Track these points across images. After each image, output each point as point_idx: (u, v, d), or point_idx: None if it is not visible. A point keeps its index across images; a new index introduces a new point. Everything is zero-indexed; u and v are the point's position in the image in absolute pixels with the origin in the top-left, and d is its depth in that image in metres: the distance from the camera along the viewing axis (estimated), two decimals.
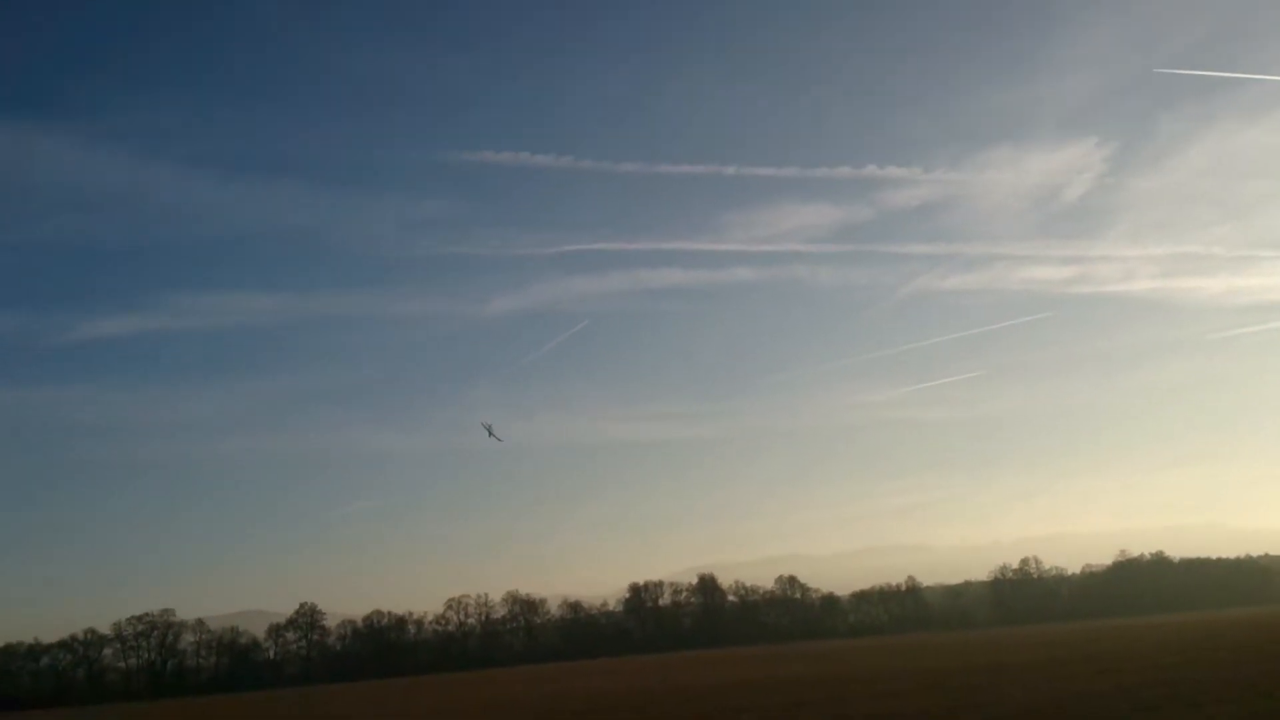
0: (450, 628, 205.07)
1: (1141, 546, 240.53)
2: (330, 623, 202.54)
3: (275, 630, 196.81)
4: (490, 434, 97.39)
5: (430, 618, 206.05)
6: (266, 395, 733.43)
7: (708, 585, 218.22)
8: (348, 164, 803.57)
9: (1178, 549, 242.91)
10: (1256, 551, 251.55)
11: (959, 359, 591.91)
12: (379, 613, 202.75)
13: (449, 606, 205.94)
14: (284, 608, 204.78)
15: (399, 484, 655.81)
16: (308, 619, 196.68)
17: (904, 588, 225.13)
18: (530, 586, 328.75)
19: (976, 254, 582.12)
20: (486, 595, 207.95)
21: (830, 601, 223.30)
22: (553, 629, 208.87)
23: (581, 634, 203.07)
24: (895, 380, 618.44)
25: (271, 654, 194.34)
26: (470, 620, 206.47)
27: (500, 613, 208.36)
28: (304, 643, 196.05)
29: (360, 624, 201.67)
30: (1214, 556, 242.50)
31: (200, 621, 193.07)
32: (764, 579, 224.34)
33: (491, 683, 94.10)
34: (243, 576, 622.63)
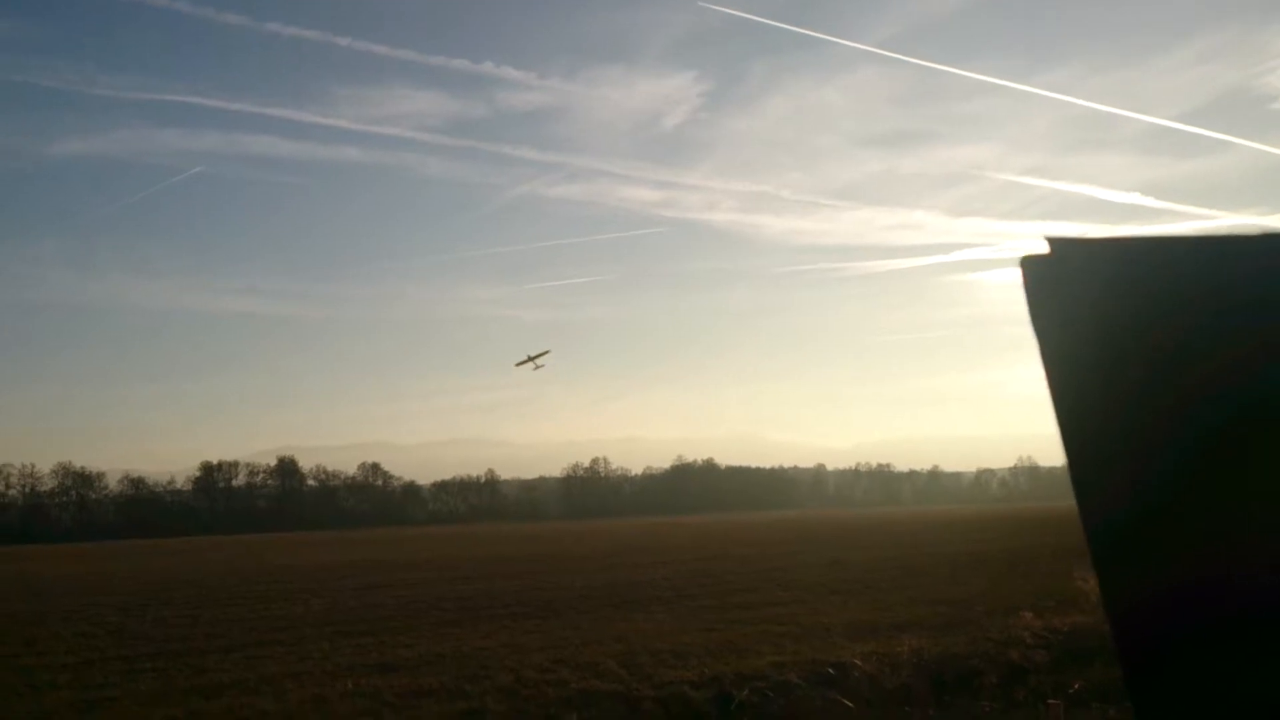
0: None
1: (697, 453, 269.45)
2: None
3: None
4: (533, 362, 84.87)
5: None
6: None
7: (287, 468, 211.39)
8: None
9: (726, 457, 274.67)
10: (788, 463, 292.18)
11: (561, 265, 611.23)
12: None
13: None
14: None
15: None
16: None
17: (483, 479, 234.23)
18: (88, 459, 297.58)
19: (582, 166, 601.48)
20: (33, 465, 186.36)
21: (412, 490, 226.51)
22: (110, 505, 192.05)
23: (143, 512, 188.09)
24: (497, 279, 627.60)
25: None
26: (12, 491, 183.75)
27: (49, 485, 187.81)
28: None
29: None
30: (754, 465, 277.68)
31: None
32: (348, 465, 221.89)
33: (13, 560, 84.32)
34: None
